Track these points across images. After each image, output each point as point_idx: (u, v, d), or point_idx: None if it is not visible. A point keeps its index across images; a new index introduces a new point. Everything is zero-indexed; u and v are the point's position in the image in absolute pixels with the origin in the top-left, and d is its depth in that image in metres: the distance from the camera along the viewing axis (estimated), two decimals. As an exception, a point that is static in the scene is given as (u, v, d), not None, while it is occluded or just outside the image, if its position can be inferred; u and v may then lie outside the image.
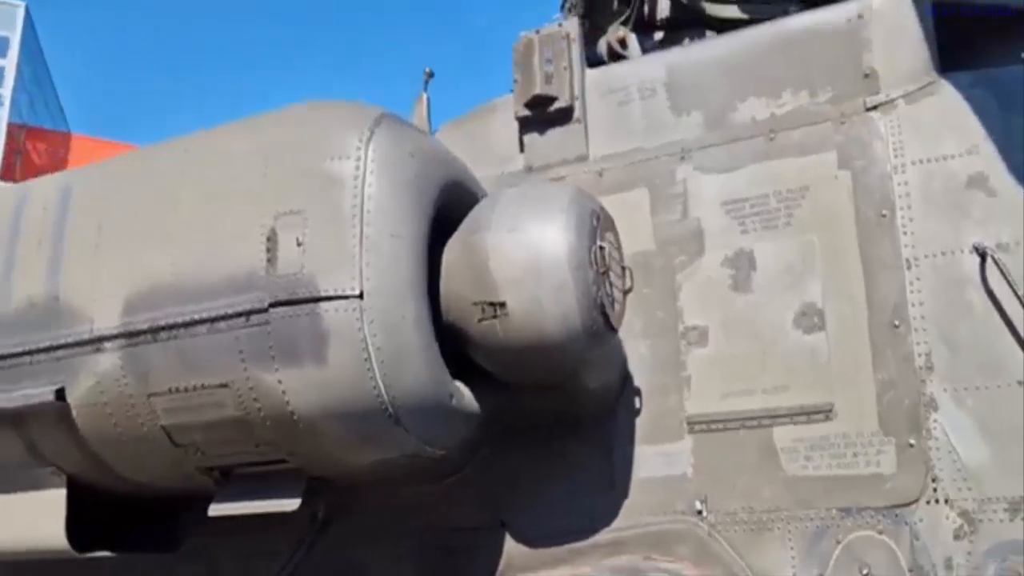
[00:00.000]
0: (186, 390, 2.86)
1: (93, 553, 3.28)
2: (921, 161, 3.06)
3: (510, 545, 3.26)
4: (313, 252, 2.70)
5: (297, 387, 2.70)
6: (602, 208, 2.97)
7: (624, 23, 4.27)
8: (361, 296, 2.65)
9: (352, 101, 3.06)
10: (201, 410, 2.87)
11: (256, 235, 2.77)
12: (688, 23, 4.16)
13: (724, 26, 4.15)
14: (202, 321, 2.80)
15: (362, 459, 2.90)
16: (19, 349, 3.14)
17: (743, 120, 3.37)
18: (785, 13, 4.18)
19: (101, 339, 2.97)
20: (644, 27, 4.24)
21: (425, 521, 3.42)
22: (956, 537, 2.72)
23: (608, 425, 3.21)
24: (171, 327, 2.85)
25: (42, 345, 3.09)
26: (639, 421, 3.20)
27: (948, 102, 3.12)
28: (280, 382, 2.72)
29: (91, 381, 3.00)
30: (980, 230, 2.90)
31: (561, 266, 2.71)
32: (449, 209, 3.00)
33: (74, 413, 3.05)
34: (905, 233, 2.99)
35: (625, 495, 3.14)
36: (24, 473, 3.29)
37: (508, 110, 3.77)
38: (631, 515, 3.12)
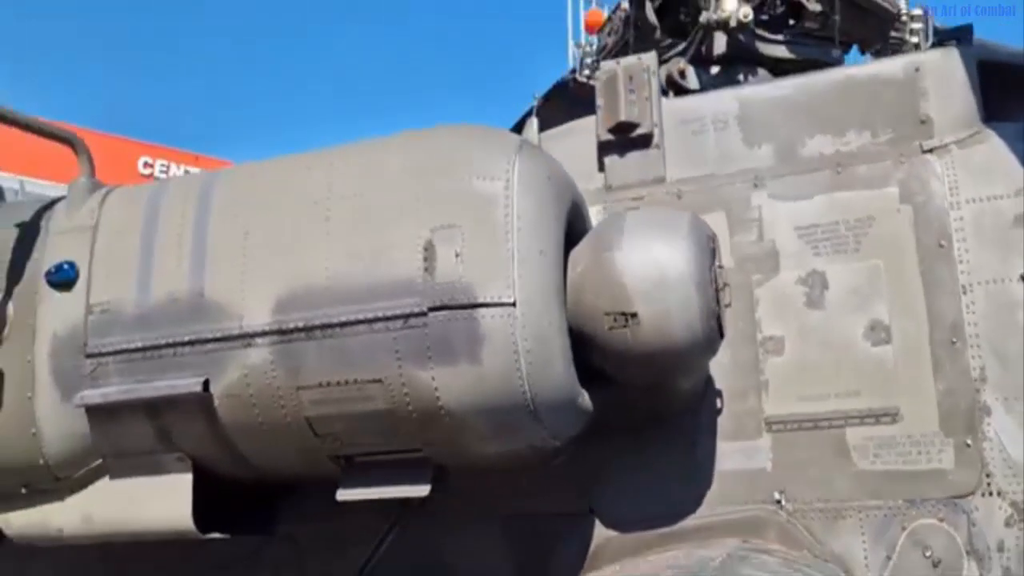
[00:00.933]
0: (337, 384, 3.13)
1: (212, 535, 3.52)
2: (973, 200, 3.52)
3: (600, 530, 3.61)
4: (470, 263, 3.00)
5: (450, 383, 3.01)
6: (714, 233, 3.35)
7: (682, 54, 4.67)
8: (514, 304, 2.97)
9: (490, 127, 3.38)
10: (349, 403, 3.14)
11: (413, 245, 3.06)
12: (742, 60, 4.58)
13: (774, 64, 4.60)
14: (361, 321, 3.07)
15: (492, 449, 3.21)
16: (161, 342, 3.34)
17: (811, 154, 3.79)
18: (827, 55, 4.69)
19: (252, 335, 3.21)
20: (701, 61, 4.64)
21: (515, 507, 3.72)
22: (1007, 524, 3.19)
23: (692, 422, 3.59)
24: (327, 326, 3.11)
25: (186, 339, 3.30)
26: (720, 420, 3.58)
27: (994, 149, 3.59)
28: (433, 379, 3.01)
29: (238, 374, 3.23)
30: None
31: (687, 283, 3.08)
32: (571, 226, 3.34)
33: (216, 403, 3.28)
34: (961, 262, 3.45)
35: (708, 486, 3.53)
36: (150, 458, 3.49)
37: (584, 132, 4.11)
38: (713, 504, 3.50)
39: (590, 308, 3.15)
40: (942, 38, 4.24)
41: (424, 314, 3.01)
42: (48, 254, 3.64)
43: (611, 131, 4.00)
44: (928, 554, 3.23)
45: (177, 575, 4.05)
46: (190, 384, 3.26)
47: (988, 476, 3.24)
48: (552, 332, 3.04)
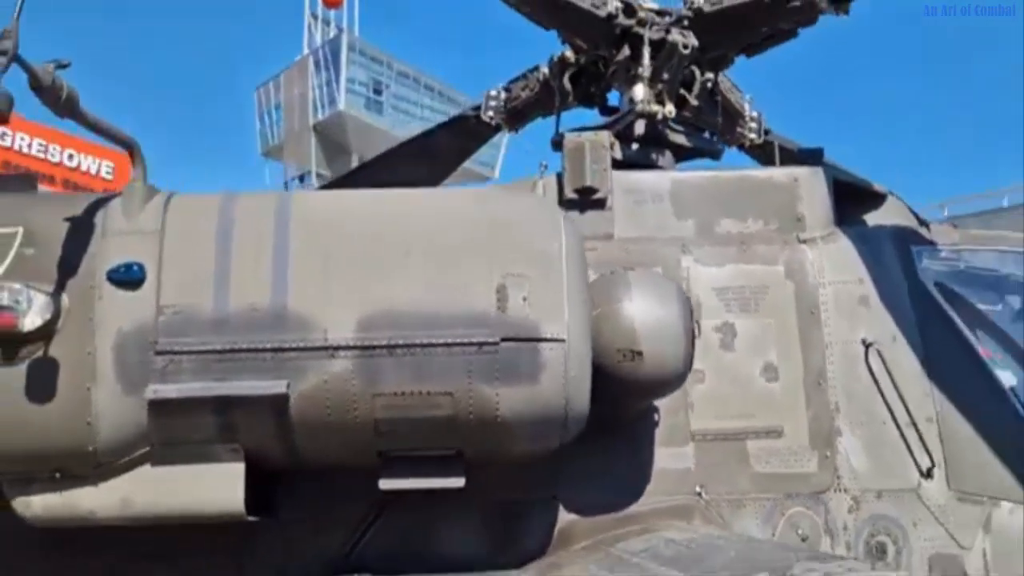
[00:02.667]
0: (411, 394, 3.76)
1: (250, 518, 3.95)
2: (832, 282, 4.94)
3: (563, 514, 4.53)
4: (534, 306, 3.80)
5: (509, 398, 3.78)
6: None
7: (606, 127, 5.72)
8: (565, 341, 3.83)
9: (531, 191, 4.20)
10: (419, 409, 3.78)
11: (488, 286, 3.79)
12: (655, 142, 5.73)
13: (677, 149, 5.82)
14: (440, 344, 3.74)
15: (520, 450, 4.02)
16: (241, 346, 3.73)
17: (723, 232, 5.02)
18: (712, 145, 5.99)
19: (336, 347, 3.73)
20: (623, 138, 5.71)
21: (491, 495, 4.51)
22: (849, 511, 4.62)
23: (639, 430, 4.63)
24: (410, 346, 3.73)
25: (268, 345, 3.73)
26: (658, 430, 4.67)
27: (843, 246, 5.05)
28: (497, 394, 3.77)
29: (318, 379, 3.74)
30: (865, 330, 4.85)
31: (680, 331, 4.12)
32: None
33: (291, 403, 3.75)
34: (825, 326, 4.85)
35: (648, 480, 4.59)
36: (203, 448, 3.84)
37: (546, 188, 5.03)
38: (652, 494, 4.58)
39: (606, 344, 4.08)
40: (801, 157, 5.69)
41: (496, 343, 3.76)
42: (108, 253, 3.82)
43: (575, 191, 4.96)
44: (799, 532, 4.57)
45: (163, 559, 4.34)
46: (273, 386, 3.70)
47: (838, 478, 4.66)
48: (585, 362, 3.94)
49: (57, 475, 3.81)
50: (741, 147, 6.84)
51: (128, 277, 3.78)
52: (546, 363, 3.80)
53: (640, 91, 5.72)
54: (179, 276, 3.81)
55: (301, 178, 45.43)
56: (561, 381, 3.83)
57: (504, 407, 3.81)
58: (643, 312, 4.11)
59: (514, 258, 3.87)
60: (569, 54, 6.07)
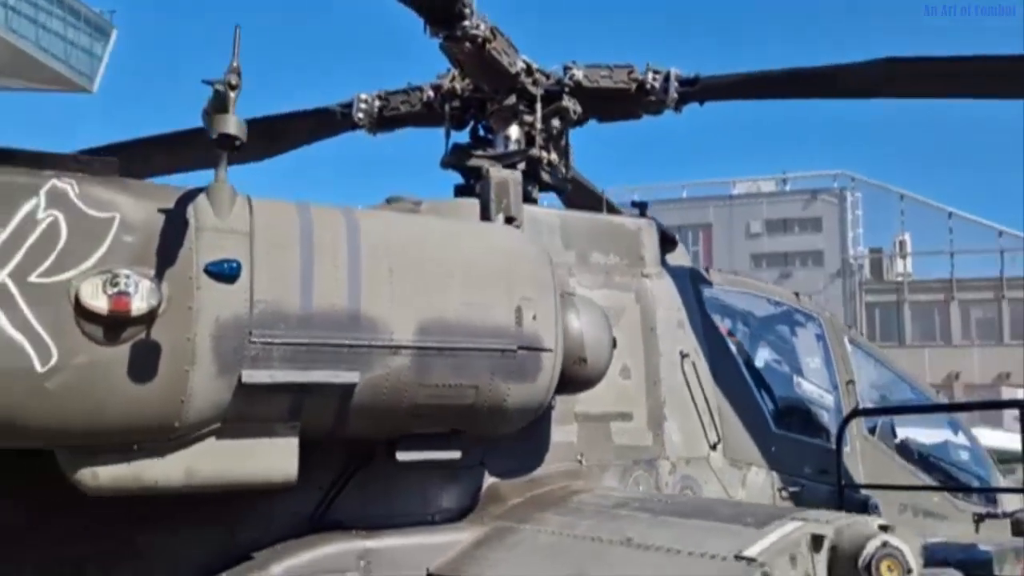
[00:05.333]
0: (449, 386, 4.77)
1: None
2: (664, 308, 6.77)
3: (488, 476, 5.76)
4: (540, 323, 5.03)
5: (516, 393, 4.98)
6: None
7: (498, 159, 6.93)
8: (553, 350, 5.11)
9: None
10: (451, 398, 4.81)
11: (509, 306, 4.93)
12: (532, 177, 7.06)
13: (542, 183, 7.23)
14: (475, 349, 4.79)
15: (502, 430, 5.21)
16: (325, 341, 4.40)
17: (595, 262, 6.58)
18: (563, 184, 7.53)
19: (399, 347, 4.59)
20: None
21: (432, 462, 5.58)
22: (669, 473, 6.47)
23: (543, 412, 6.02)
24: (454, 349, 4.73)
25: (347, 342, 4.46)
26: (554, 413, 6.07)
27: (668, 281, 6.92)
28: (508, 389, 4.94)
29: (383, 371, 4.57)
30: (683, 344, 6.77)
31: (609, 344, 5.59)
32: None
33: (357, 390, 4.53)
34: (660, 340, 6.66)
35: (547, 449, 5.99)
36: (267, 425, 4.44)
37: (470, 208, 6.16)
38: (550, 461, 5.97)
39: (564, 352, 5.41)
40: (633, 209, 7.44)
41: (515, 351, 4.92)
42: (204, 247, 4.21)
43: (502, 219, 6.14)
44: (640, 486, 6.32)
45: (154, 521, 4.72)
46: (348, 376, 4.46)
47: (664, 449, 6.50)
48: (560, 366, 5.24)
49: (135, 447, 4.14)
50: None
51: (227, 272, 4.23)
52: (543, 367, 5.06)
53: (515, 131, 7.06)
54: (269, 274, 4.35)
55: None
56: (549, 381, 5.11)
57: (511, 399, 4.99)
58: (587, 327, 5.52)
59: (526, 285, 5.06)
60: (459, 86, 7.14)
